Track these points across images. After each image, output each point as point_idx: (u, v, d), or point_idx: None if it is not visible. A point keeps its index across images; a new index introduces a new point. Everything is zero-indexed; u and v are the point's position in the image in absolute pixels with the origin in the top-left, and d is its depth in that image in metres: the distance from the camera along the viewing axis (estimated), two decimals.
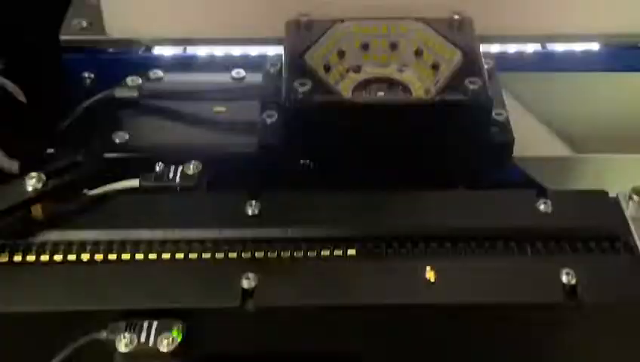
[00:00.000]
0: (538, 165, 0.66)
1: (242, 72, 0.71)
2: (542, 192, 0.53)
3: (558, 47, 0.75)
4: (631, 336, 0.48)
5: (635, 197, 0.51)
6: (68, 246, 0.51)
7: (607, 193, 0.53)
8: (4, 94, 0.80)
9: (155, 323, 0.46)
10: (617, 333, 0.48)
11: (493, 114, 0.65)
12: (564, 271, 0.48)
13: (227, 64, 0.72)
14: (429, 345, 0.49)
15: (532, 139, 0.70)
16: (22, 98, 0.81)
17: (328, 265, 0.50)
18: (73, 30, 0.74)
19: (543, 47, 0.76)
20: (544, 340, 0.48)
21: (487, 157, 0.65)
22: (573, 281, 0.48)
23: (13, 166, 0.72)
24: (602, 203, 0.52)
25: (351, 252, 0.50)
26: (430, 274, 0.48)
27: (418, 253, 0.50)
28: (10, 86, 0.81)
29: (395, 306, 0.47)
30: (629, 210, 0.51)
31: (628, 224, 0.51)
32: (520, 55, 0.75)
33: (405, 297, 0.48)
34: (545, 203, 0.52)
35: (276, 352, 0.49)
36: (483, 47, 0.67)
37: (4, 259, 0.51)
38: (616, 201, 0.52)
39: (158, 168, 0.55)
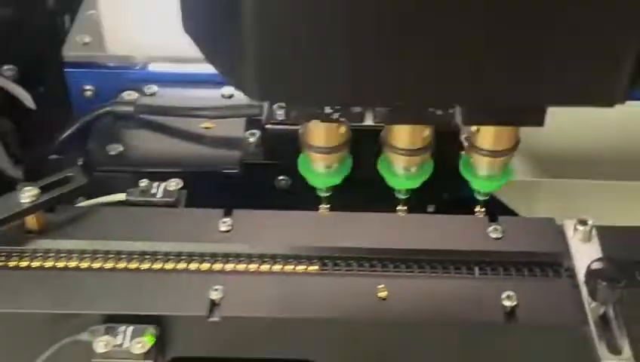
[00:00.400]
0: (508, 188, 0.70)
1: (231, 90, 0.75)
2: (493, 218, 0.57)
3: None
4: (563, 357, 0.52)
5: (579, 226, 0.55)
6: (57, 254, 0.55)
7: (554, 220, 0.57)
8: (10, 101, 0.85)
9: (131, 328, 0.50)
10: (551, 353, 0.52)
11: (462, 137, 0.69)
12: (506, 293, 0.52)
13: (217, 82, 0.74)
14: (377, 358, 0.53)
15: None
16: (30, 104, 0.85)
17: (290, 280, 0.53)
18: (75, 46, 0.77)
19: None
20: (484, 357, 0.52)
21: (455, 181, 0.69)
22: (514, 303, 0.51)
23: (17, 172, 0.77)
24: (549, 230, 0.56)
25: (312, 268, 0.54)
26: (382, 292, 0.52)
27: (373, 272, 0.53)
28: (21, 92, 0.86)
29: (349, 320, 0.51)
30: (573, 238, 0.55)
31: (570, 251, 0.54)
32: None
33: (359, 312, 0.51)
34: (496, 228, 0.56)
35: (238, 358, 0.53)
36: None
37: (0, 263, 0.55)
38: (561, 229, 0.56)
39: (142, 184, 0.60)
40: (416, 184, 0.53)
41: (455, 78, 0.39)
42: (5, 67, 0.87)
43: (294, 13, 0.35)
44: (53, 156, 0.76)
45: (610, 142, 0.75)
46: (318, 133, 0.48)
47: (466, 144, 0.52)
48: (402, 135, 0.49)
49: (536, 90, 0.38)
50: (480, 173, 0.53)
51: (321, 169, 0.51)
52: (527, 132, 0.76)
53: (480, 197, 0.56)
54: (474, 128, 0.51)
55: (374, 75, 0.37)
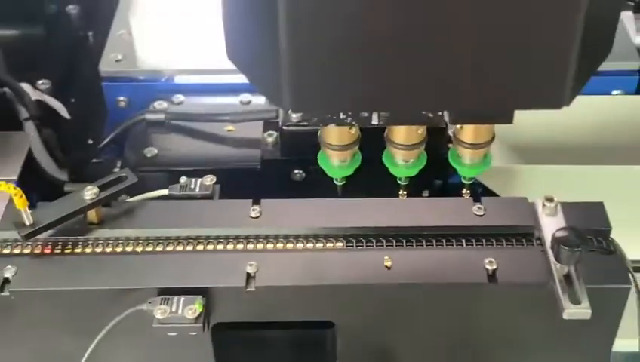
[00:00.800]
0: (489, 173, 0.81)
1: (249, 97, 0.85)
2: (477, 199, 0.68)
3: None
4: (535, 311, 0.62)
5: (546, 203, 0.66)
6: (115, 242, 0.64)
7: (526, 199, 0.67)
8: (48, 112, 0.94)
9: (182, 298, 0.60)
10: (525, 306, 0.62)
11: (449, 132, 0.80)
12: (488, 259, 0.62)
13: (236, 90, 0.85)
14: (385, 316, 0.63)
15: None
16: (65, 114, 0.95)
17: (311, 256, 0.63)
18: (110, 62, 0.87)
19: None
20: (471, 311, 0.63)
21: (445, 168, 0.80)
22: (495, 267, 0.62)
23: (62, 175, 0.87)
24: (522, 207, 0.66)
25: (329, 246, 0.64)
26: (388, 262, 0.63)
27: (379, 247, 0.64)
28: (56, 104, 0.96)
29: (362, 285, 0.62)
30: (542, 213, 0.66)
31: (540, 224, 0.65)
32: None
33: (369, 279, 0.62)
34: (479, 207, 0.66)
35: (271, 321, 0.64)
36: None
37: (68, 251, 0.64)
38: (532, 206, 0.66)
39: (182, 180, 0.70)
40: (413, 173, 0.64)
41: (444, 89, 0.48)
42: (40, 82, 0.97)
43: (320, 41, 0.45)
44: (94, 160, 0.87)
45: (576, 132, 0.86)
46: (334, 134, 0.60)
47: (452, 139, 0.64)
48: (401, 133, 0.61)
49: (494, 95, 0.48)
50: (464, 162, 0.64)
51: (336, 163, 0.62)
52: (504, 127, 0.87)
53: (466, 182, 0.67)
54: (458, 126, 0.62)
55: (385, 86, 0.47)
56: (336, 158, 0.62)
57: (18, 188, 0.62)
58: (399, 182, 0.66)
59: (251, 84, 0.48)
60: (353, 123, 0.57)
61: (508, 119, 0.55)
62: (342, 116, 0.56)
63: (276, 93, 0.46)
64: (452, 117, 0.56)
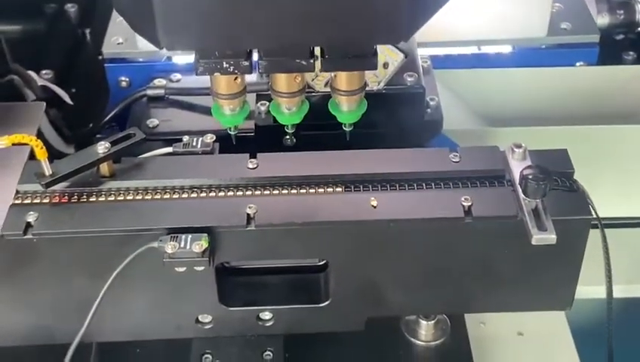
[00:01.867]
0: (462, 136, 0.88)
1: None
2: (454, 148, 0.75)
3: (483, 50, 0.98)
4: (507, 242, 0.69)
5: (514, 149, 0.72)
6: (126, 191, 0.69)
7: (498, 147, 0.74)
8: (52, 96, 1.01)
9: (190, 236, 0.66)
10: (499, 236, 0.69)
11: (427, 99, 0.87)
12: (464, 197, 0.69)
13: None
14: (372, 252, 0.70)
15: (459, 117, 0.92)
16: (68, 100, 1.02)
17: (305, 199, 0.70)
18: (112, 45, 0.95)
19: (479, 49, 0.98)
20: (451, 244, 0.70)
21: (423, 131, 0.87)
22: (470, 203, 0.69)
23: (69, 150, 0.93)
24: (494, 154, 0.73)
25: (320, 191, 0.70)
26: (374, 202, 0.69)
27: (366, 190, 0.70)
28: (58, 90, 1.02)
29: (352, 222, 0.68)
30: (512, 158, 0.72)
31: (510, 167, 0.72)
32: (454, 56, 0.97)
33: (357, 216, 0.68)
34: (455, 155, 0.73)
35: (269, 257, 0.70)
36: (421, 51, 0.88)
37: (84, 200, 0.69)
38: (503, 152, 0.73)
39: (185, 139, 0.77)
40: (297, 120, 0.71)
41: (307, 24, 0.57)
42: (43, 72, 1.04)
43: None
44: (98, 135, 0.93)
45: (543, 101, 0.94)
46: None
47: (330, 89, 0.71)
48: (282, 82, 0.68)
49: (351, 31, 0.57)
50: (342, 110, 0.71)
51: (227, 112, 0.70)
52: (476, 98, 0.95)
53: (346, 129, 0.74)
54: (333, 75, 0.69)
55: (249, 24, 0.54)
56: (227, 107, 0.70)
57: (39, 140, 0.68)
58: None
59: (134, 30, 0.55)
60: (235, 71, 0.65)
61: (372, 65, 0.63)
62: (225, 65, 0.63)
63: (154, 36, 0.53)
64: (324, 66, 0.64)
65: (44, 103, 0.84)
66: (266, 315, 0.74)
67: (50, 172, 0.69)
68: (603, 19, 1.01)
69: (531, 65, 0.94)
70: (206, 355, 0.81)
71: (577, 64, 0.95)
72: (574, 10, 0.98)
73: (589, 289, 0.80)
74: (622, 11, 1.02)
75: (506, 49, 0.96)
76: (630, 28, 1.03)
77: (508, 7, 0.91)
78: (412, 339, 0.84)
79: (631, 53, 1.06)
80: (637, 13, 1.03)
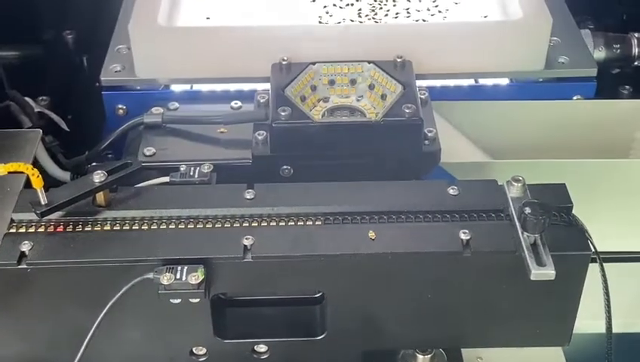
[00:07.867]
0: (459, 168, 0.88)
1: (239, 103, 0.91)
2: (452, 182, 0.75)
3: (481, 82, 0.98)
4: (505, 277, 0.69)
5: (513, 183, 0.72)
6: (121, 222, 0.69)
7: (496, 181, 0.74)
8: (49, 123, 1.00)
9: (185, 267, 0.66)
10: (497, 271, 0.69)
11: (425, 131, 0.87)
12: (462, 231, 0.69)
13: (227, 97, 0.91)
14: (369, 284, 0.69)
15: (456, 149, 0.92)
16: (64, 127, 1.01)
17: (303, 231, 0.69)
18: (110, 73, 0.93)
19: (476, 81, 0.98)
20: (449, 277, 0.69)
21: (421, 163, 0.87)
22: (469, 237, 0.68)
23: (65, 176, 0.92)
24: (492, 188, 0.72)
25: (318, 223, 0.70)
26: (372, 235, 0.69)
27: (364, 223, 0.70)
28: (55, 117, 1.02)
29: (348, 255, 0.68)
30: (510, 193, 0.72)
31: (508, 201, 0.71)
32: (451, 88, 0.97)
33: (356, 248, 0.68)
34: (453, 188, 0.72)
35: (265, 289, 0.69)
36: (419, 82, 0.88)
37: (79, 229, 0.69)
38: (502, 187, 0.73)
39: (182, 168, 0.76)
40: None
41: None
42: (40, 98, 1.04)
43: None
44: (94, 163, 0.93)
45: (541, 133, 0.94)
46: None
47: None
48: None
49: None
50: None
51: None
52: (477, 130, 0.94)
53: None
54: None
55: None
56: None
57: (35, 169, 0.68)
58: None
59: None
60: None
61: None
62: None
63: None
64: None
65: (41, 131, 0.83)
66: (262, 348, 0.73)
67: (46, 201, 0.69)
68: (600, 54, 1.02)
69: (528, 99, 0.94)
70: None
71: (574, 97, 0.95)
72: (572, 44, 0.98)
73: (587, 323, 0.80)
74: (618, 45, 1.03)
75: (504, 81, 0.96)
76: (626, 62, 1.04)
77: (506, 41, 0.92)
78: None
79: (627, 87, 1.07)
80: (633, 47, 1.04)
